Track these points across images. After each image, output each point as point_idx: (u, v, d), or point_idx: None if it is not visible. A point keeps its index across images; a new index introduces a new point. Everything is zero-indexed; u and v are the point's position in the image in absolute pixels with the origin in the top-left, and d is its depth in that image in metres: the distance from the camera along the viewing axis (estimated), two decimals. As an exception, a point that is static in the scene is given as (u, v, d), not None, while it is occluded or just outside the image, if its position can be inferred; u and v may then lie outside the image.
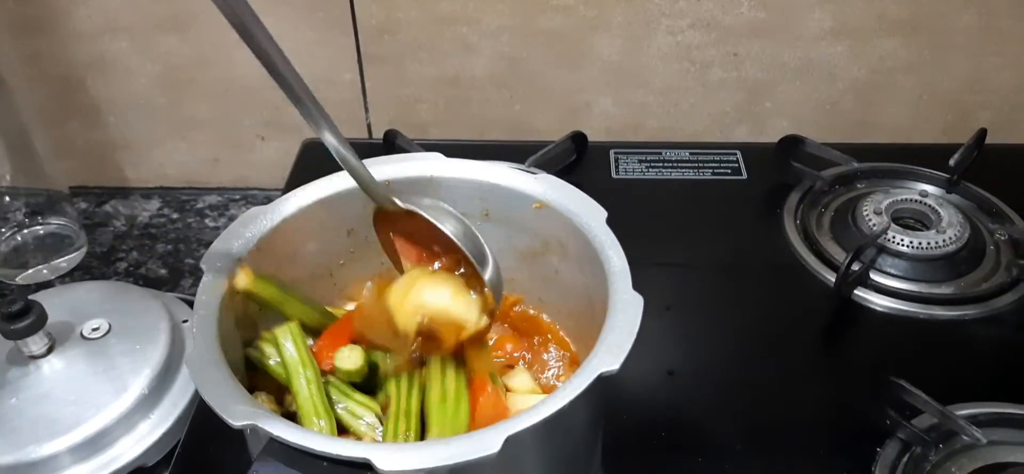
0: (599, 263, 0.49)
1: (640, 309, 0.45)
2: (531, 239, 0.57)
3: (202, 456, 0.58)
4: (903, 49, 0.82)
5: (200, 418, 0.60)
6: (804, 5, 0.80)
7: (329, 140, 0.46)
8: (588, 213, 0.53)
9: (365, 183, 0.49)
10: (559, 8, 0.80)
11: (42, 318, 0.61)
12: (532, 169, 0.58)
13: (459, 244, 0.50)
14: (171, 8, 0.80)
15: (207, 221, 0.88)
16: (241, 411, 0.40)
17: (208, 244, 0.83)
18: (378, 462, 0.37)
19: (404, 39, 0.82)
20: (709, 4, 0.79)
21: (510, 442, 0.38)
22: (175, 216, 0.89)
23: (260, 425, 0.39)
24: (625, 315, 0.45)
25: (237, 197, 0.91)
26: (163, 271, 0.82)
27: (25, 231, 0.81)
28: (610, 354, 0.42)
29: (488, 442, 0.38)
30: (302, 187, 0.55)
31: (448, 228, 0.50)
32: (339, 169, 0.56)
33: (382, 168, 0.56)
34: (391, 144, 0.81)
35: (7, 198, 0.79)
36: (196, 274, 0.81)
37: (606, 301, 0.47)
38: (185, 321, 0.69)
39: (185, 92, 0.86)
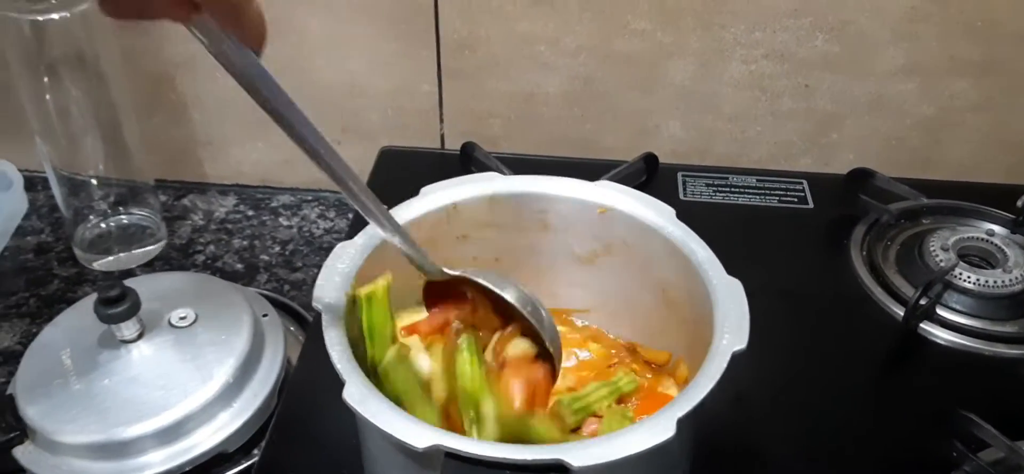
0: (681, 256, 0.52)
1: (742, 291, 0.48)
2: (593, 242, 0.60)
3: (289, 445, 0.61)
4: (973, 90, 0.83)
5: (287, 409, 0.63)
6: (879, 42, 0.81)
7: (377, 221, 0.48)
8: (657, 213, 0.55)
9: (416, 260, 0.50)
10: (637, 32, 0.82)
11: (136, 305, 0.63)
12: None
13: (519, 308, 0.50)
14: (262, 13, 0.83)
15: (281, 219, 0.91)
16: (421, 434, 0.41)
17: (282, 242, 0.87)
18: (573, 460, 0.39)
19: (484, 55, 0.85)
20: (785, 36, 0.81)
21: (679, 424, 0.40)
22: (250, 213, 0.92)
23: (444, 444, 0.40)
24: (732, 298, 0.48)
25: (309, 198, 0.94)
26: (239, 266, 0.85)
27: (110, 219, 0.85)
28: (734, 335, 0.45)
29: (662, 427, 0.41)
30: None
31: (509, 295, 0.50)
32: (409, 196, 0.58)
33: (444, 192, 0.58)
34: (468, 156, 0.83)
35: (96, 187, 0.83)
36: (271, 270, 0.84)
37: (688, 290, 0.50)
38: (265, 315, 0.71)
39: (268, 94, 0.88)
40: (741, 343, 0.45)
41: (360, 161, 0.89)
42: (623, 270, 0.58)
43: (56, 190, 0.81)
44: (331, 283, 0.51)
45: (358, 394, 0.43)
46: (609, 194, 0.58)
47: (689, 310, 0.53)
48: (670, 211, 0.55)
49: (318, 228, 0.90)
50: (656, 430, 0.41)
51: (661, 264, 0.55)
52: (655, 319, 0.58)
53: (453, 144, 0.88)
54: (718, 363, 0.44)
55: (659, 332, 0.58)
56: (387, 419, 0.42)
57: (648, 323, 0.59)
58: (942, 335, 0.69)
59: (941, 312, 0.70)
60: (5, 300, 0.80)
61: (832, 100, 0.85)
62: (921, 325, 0.69)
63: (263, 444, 0.61)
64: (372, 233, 0.55)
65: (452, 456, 0.40)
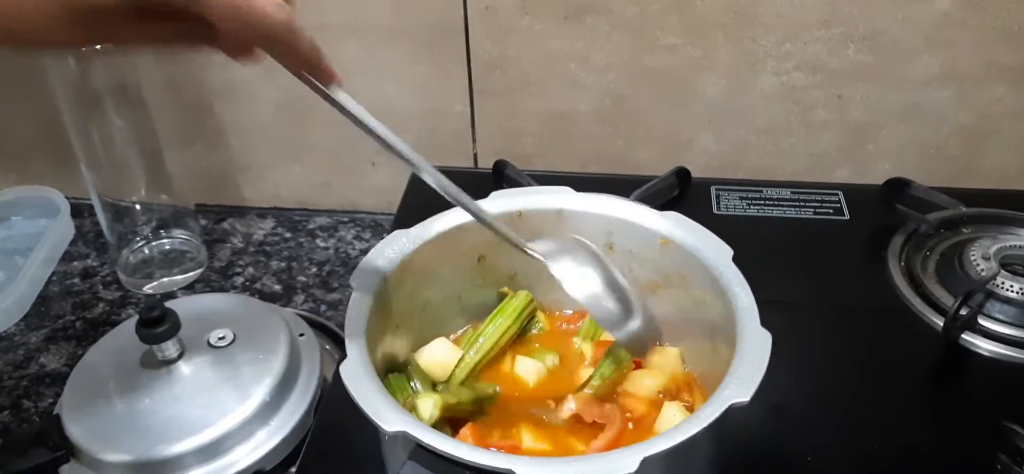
0: (727, 300, 0.51)
1: (769, 345, 0.47)
2: (653, 273, 0.60)
3: (325, 462, 0.61)
4: (1011, 96, 0.82)
5: (323, 427, 0.64)
6: (912, 50, 0.80)
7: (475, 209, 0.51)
8: (715, 252, 0.55)
9: (504, 234, 0.51)
10: (666, 48, 0.82)
11: (176, 325, 0.64)
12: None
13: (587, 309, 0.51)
14: (297, 40, 0.85)
15: (318, 241, 0.92)
16: (393, 419, 0.43)
17: (319, 263, 0.89)
18: (522, 471, 0.39)
19: (515, 74, 0.85)
20: (816, 47, 0.81)
21: (645, 463, 0.40)
22: (288, 235, 0.93)
23: (410, 432, 0.42)
24: (755, 350, 0.47)
25: (346, 219, 0.95)
26: (277, 287, 0.86)
27: (152, 244, 0.87)
28: (741, 386, 0.44)
29: (626, 461, 0.40)
30: (444, 213, 0.58)
31: (578, 294, 0.51)
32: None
33: (513, 200, 0.58)
34: (500, 174, 0.84)
35: (140, 213, 0.85)
36: (308, 291, 0.85)
37: (730, 336, 0.49)
38: (302, 335, 0.72)
39: (304, 119, 0.90)
40: (743, 397, 0.44)
41: (395, 181, 0.90)
42: (680, 304, 0.59)
43: (101, 216, 0.83)
44: (373, 264, 0.53)
45: (352, 370, 0.46)
46: (672, 226, 0.58)
47: (729, 353, 0.52)
48: (728, 252, 0.55)
49: (354, 249, 0.91)
50: (617, 464, 0.40)
51: (712, 305, 0.55)
52: (706, 358, 0.57)
53: (486, 163, 0.89)
54: (710, 411, 0.43)
55: (709, 371, 0.57)
56: (368, 400, 0.44)
57: (700, 361, 0.58)
58: (984, 346, 0.68)
59: (983, 322, 0.69)
60: (53, 323, 0.82)
61: (866, 110, 0.84)
62: (963, 336, 0.68)
63: (299, 461, 0.62)
64: (428, 226, 0.57)
65: (421, 447, 0.42)
